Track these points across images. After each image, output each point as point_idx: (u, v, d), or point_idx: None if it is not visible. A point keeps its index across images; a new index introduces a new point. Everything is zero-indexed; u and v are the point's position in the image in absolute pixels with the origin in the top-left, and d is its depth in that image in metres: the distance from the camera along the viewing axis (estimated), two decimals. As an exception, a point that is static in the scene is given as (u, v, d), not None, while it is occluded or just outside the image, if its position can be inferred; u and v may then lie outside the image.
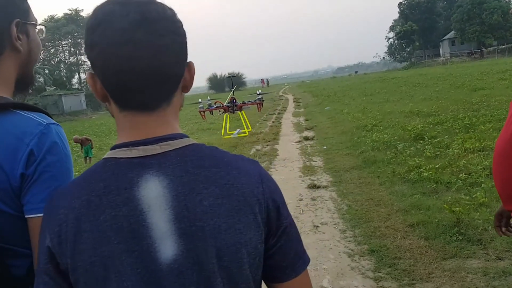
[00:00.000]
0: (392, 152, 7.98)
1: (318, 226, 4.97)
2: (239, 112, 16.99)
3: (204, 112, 17.12)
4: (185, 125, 19.63)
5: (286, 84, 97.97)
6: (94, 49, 0.78)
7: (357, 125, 12.32)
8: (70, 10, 76.64)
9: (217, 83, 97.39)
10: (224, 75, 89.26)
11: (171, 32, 0.80)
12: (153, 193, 0.78)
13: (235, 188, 0.81)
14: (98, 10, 0.80)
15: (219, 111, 17.00)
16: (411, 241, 4.21)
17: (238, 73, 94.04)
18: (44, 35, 1.27)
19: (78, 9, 77.42)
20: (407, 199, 5.41)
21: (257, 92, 16.98)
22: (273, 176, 6.60)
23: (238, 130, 17.10)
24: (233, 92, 18.14)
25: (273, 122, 17.33)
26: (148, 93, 0.80)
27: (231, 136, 16.29)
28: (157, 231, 0.77)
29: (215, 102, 17.10)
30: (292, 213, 4.86)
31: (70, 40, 74.81)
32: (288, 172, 7.86)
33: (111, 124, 28.05)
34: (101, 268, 0.76)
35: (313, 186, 6.62)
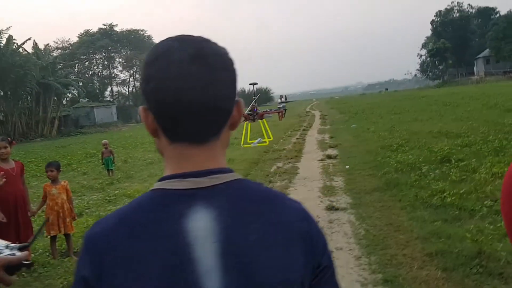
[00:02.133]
0: (416, 175, 7.72)
1: (332, 252, 4.79)
2: (259, 120, 16.96)
3: None
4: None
5: (314, 100, 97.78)
6: (150, 82, 0.80)
7: (382, 144, 12.07)
8: (104, 25, 78.99)
9: (244, 98, 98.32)
10: (252, 90, 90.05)
11: (224, 68, 0.82)
12: (201, 225, 0.77)
13: (282, 224, 0.81)
14: (157, 45, 0.84)
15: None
16: (428, 272, 4.00)
17: (266, 88, 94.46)
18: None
19: (112, 24, 79.69)
20: (427, 225, 5.18)
21: (279, 101, 17.00)
22: (291, 196, 6.49)
23: (259, 139, 17.01)
24: (254, 100, 18.13)
25: (297, 138, 17.19)
26: (198, 125, 0.81)
27: (251, 145, 16.23)
28: (203, 266, 0.75)
29: None
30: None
31: (104, 54, 76.98)
32: (307, 192, 7.70)
33: (139, 137, 28.49)
34: None
35: (331, 208, 6.45)
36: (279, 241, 0.79)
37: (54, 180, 5.68)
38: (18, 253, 1.02)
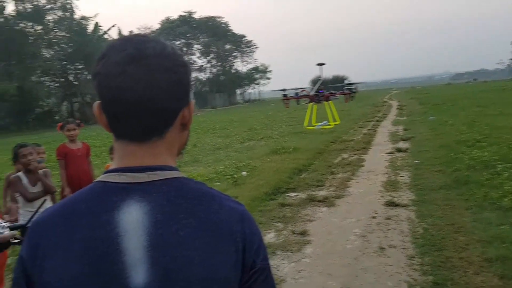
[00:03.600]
0: (489, 173, 7.20)
1: (384, 249, 4.65)
2: (325, 102, 16.57)
3: (288, 100, 16.94)
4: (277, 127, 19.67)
5: (394, 89, 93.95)
6: (95, 78, 0.84)
7: (458, 139, 11.36)
8: (184, 12, 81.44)
9: (324, 83, 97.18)
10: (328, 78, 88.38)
11: (166, 69, 0.83)
12: (132, 218, 0.79)
13: (213, 223, 0.82)
14: (107, 45, 0.87)
15: (305, 100, 16.69)
16: (484, 278, 3.74)
17: (343, 76, 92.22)
18: None
19: (191, 11, 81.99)
20: (492, 228, 4.83)
21: (345, 82, 16.59)
22: (351, 189, 6.29)
23: (324, 122, 16.69)
24: (321, 81, 17.74)
25: (368, 129, 16.64)
26: (137, 125, 0.83)
27: (315, 127, 15.93)
28: (130, 257, 0.78)
29: (301, 91, 16.79)
30: (360, 231, 4.59)
31: (183, 40, 79.48)
32: (368, 186, 7.48)
33: (212, 122, 29.25)
34: (68, 287, 0.77)
35: (391, 204, 6.22)
36: (208, 239, 0.81)
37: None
38: (6, 232, 1.11)
